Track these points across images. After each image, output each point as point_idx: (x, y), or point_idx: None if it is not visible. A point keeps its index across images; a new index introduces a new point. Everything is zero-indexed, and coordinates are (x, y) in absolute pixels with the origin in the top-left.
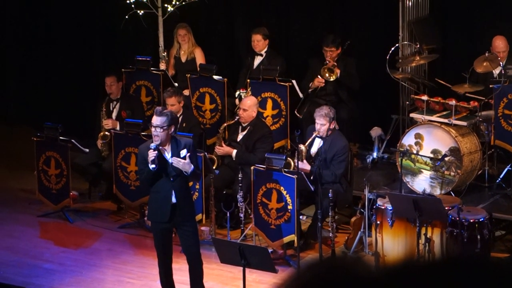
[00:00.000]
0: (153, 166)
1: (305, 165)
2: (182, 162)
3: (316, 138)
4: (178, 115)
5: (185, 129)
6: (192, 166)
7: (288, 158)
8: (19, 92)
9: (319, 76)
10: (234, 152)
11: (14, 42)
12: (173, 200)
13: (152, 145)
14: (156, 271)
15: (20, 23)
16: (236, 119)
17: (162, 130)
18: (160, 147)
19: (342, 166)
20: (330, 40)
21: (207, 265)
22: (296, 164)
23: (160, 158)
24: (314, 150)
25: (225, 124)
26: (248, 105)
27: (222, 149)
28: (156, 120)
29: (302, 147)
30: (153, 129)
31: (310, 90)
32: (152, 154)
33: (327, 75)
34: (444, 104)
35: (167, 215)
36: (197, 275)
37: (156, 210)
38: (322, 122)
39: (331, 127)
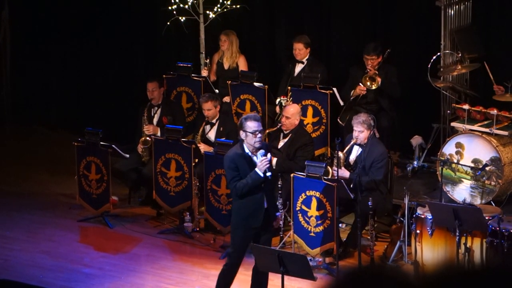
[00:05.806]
0: (269, 173)
1: (344, 172)
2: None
3: (355, 146)
4: (215, 120)
5: (222, 133)
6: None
7: (328, 166)
8: (61, 97)
9: (360, 84)
10: (275, 160)
11: (56, 47)
12: (265, 204)
13: (262, 151)
14: (195, 277)
15: (63, 28)
16: (278, 127)
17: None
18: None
19: (381, 172)
20: (371, 48)
21: (246, 272)
22: (334, 171)
23: (252, 164)
24: (352, 157)
25: (267, 131)
26: (291, 112)
27: None
28: (258, 125)
29: (340, 154)
30: (257, 134)
31: (352, 98)
32: (267, 162)
33: (368, 83)
34: (485, 113)
35: (260, 220)
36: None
37: (248, 216)
38: (360, 129)
39: (369, 135)
